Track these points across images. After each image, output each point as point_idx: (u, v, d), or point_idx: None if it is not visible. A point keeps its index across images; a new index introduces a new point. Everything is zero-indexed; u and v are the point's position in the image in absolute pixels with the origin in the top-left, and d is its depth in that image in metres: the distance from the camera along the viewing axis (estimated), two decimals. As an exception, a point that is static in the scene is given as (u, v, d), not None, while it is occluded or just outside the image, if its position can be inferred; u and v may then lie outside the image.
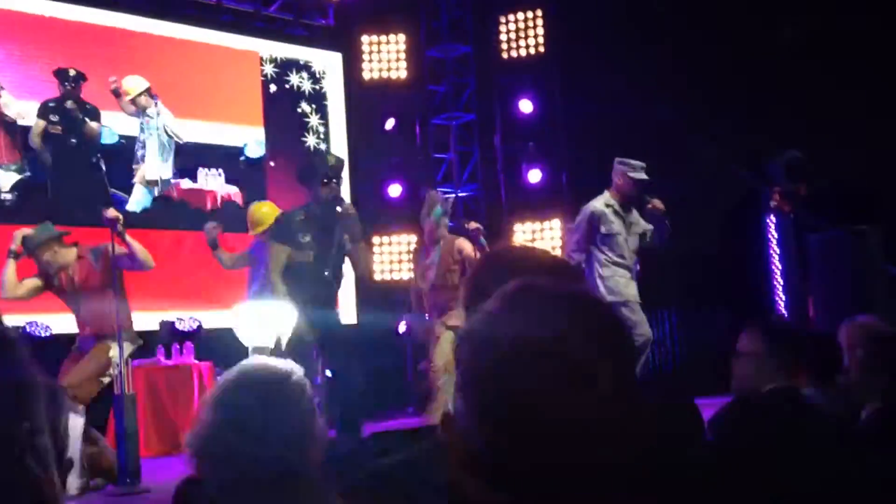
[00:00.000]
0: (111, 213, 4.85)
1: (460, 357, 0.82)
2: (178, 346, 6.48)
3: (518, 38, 8.68)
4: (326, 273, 4.94)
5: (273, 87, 8.33)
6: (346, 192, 8.62)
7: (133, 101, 7.33)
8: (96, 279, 4.86)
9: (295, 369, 1.75)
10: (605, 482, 0.74)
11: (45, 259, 4.84)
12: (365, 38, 8.82)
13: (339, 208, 5.07)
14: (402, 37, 8.88)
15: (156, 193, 7.43)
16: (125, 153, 7.33)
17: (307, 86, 8.57)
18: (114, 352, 4.71)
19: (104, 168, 6.84)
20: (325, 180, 5.00)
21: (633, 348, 0.84)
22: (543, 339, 0.76)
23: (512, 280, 0.86)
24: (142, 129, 7.41)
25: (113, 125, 7.27)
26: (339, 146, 8.73)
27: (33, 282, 4.91)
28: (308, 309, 4.83)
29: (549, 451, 0.74)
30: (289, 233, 4.98)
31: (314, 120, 8.57)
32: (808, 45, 7.08)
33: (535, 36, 8.63)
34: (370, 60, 8.83)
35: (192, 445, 1.66)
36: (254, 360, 1.82)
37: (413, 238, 8.09)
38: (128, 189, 7.28)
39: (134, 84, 7.33)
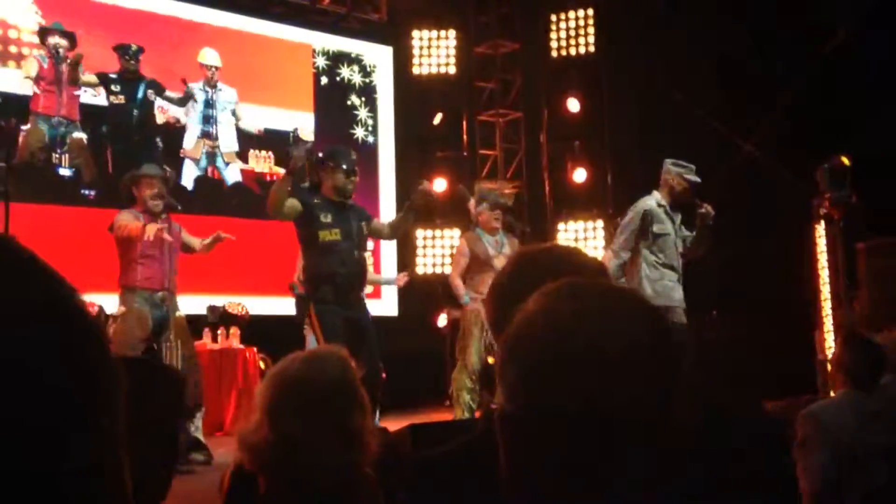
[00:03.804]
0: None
1: (506, 356, 0.83)
2: (224, 331, 6.63)
3: (569, 36, 8.67)
4: (356, 252, 4.99)
5: (324, 80, 8.45)
6: (391, 185, 8.74)
7: (210, 71, 7.52)
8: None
9: (344, 363, 1.72)
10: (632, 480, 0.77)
11: (149, 193, 4.92)
12: (416, 34, 8.89)
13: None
14: (452, 32, 8.92)
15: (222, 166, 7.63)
16: (177, 133, 7.51)
17: (357, 79, 8.67)
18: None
19: (161, 146, 7.07)
20: (353, 176, 5.01)
21: (680, 347, 0.86)
22: (585, 340, 0.78)
23: (546, 280, 0.86)
24: (209, 104, 7.58)
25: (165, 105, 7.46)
26: (387, 139, 8.82)
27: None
28: (342, 290, 4.88)
29: (593, 445, 0.76)
30: (310, 216, 4.99)
31: (363, 113, 8.68)
32: (856, 47, 6.97)
33: (587, 35, 8.61)
34: (420, 55, 8.90)
35: (247, 450, 1.64)
36: (304, 361, 1.73)
37: (457, 233, 8.15)
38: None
39: (214, 56, 7.55)
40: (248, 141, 7.88)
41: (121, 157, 6.95)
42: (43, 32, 6.73)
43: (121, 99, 7.09)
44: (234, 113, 7.77)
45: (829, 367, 5.70)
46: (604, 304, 0.82)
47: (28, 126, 6.67)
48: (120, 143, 7.07)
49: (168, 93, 7.38)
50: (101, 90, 7.08)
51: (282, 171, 7.97)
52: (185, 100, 7.46)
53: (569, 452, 0.77)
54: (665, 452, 0.78)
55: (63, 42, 6.74)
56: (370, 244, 6.69)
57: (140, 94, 7.19)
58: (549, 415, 0.77)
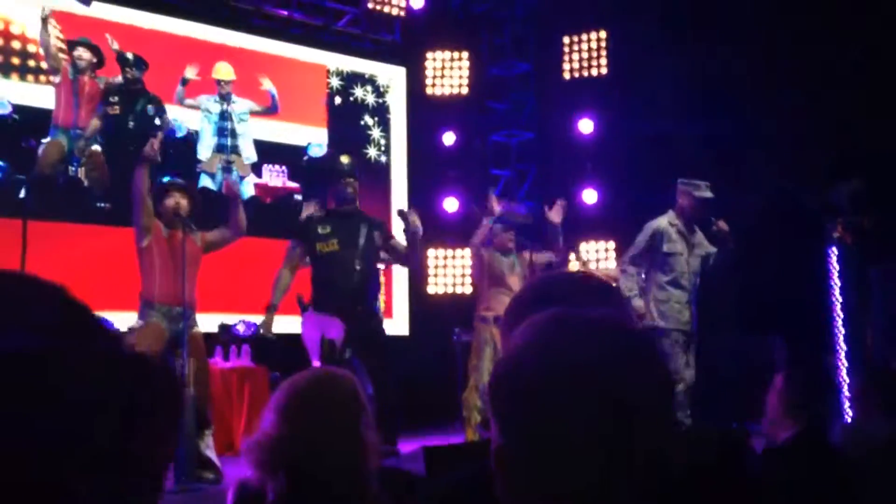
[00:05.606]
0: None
1: (496, 390, 0.83)
2: (235, 349, 6.63)
3: (581, 58, 8.71)
4: (358, 262, 4.95)
5: (338, 100, 8.51)
6: (403, 204, 8.76)
7: (223, 85, 7.52)
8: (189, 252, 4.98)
9: (354, 381, 1.76)
10: None
11: (166, 203, 4.97)
12: (429, 55, 8.95)
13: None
14: (465, 53, 8.98)
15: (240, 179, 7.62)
16: (190, 146, 7.49)
17: (371, 99, 8.72)
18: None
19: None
20: (348, 178, 5.05)
21: (667, 377, 0.84)
22: (572, 371, 0.78)
23: (553, 306, 0.87)
24: (225, 117, 7.55)
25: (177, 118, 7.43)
26: (400, 159, 8.86)
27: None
28: (341, 303, 4.83)
29: (574, 479, 0.77)
30: (306, 229, 4.99)
31: (376, 132, 8.72)
32: (873, 67, 6.96)
33: (599, 57, 8.65)
34: (433, 76, 8.96)
35: (254, 455, 1.65)
36: (317, 373, 1.81)
37: (468, 252, 8.15)
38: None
39: (227, 70, 7.55)
40: (261, 154, 7.91)
41: (114, 169, 6.84)
42: (71, 44, 6.77)
43: (116, 110, 6.94)
44: (245, 122, 7.75)
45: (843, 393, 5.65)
46: (590, 334, 0.82)
47: (48, 139, 6.67)
48: (115, 155, 6.91)
49: (168, 114, 7.19)
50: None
51: (296, 186, 8.04)
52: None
53: (563, 482, 0.77)
54: (654, 481, 0.78)
55: (86, 55, 6.77)
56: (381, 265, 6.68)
57: (139, 108, 7.08)
58: (541, 446, 0.78)
